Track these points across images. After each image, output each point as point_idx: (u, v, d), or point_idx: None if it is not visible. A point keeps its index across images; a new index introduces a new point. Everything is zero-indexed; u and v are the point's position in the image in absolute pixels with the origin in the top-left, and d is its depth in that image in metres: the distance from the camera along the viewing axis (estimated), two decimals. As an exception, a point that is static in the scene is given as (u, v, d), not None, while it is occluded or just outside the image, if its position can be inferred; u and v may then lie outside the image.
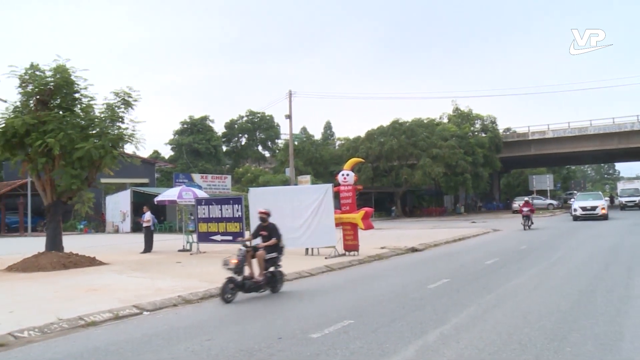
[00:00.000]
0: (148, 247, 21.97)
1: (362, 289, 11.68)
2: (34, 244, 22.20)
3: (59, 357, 6.75)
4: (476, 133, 64.56)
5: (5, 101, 18.40)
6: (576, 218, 35.98)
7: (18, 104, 17.36)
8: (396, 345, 6.68)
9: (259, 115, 78.76)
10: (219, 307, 9.89)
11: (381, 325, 7.73)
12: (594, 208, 35.71)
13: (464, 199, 69.63)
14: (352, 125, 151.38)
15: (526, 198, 34.62)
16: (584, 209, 36.03)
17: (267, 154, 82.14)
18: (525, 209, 30.38)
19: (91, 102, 17.83)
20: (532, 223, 29.98)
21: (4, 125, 16.74)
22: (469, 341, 6.74)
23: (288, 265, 15.33)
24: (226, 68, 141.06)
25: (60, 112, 16.99)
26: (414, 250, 19.86)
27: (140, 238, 22.95)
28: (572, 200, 42.86)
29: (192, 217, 22.86)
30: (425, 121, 60.24)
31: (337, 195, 18.74)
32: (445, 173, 56.59)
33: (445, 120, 66.78)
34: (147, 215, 22.71)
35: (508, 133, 66.93)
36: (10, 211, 45.16)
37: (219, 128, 77.94)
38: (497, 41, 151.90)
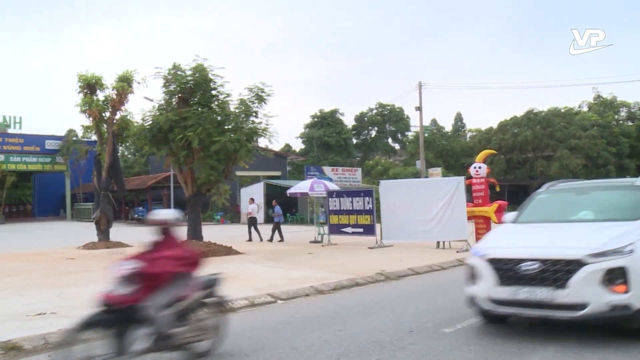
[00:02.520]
0: (251, 236, 23.52)
1: (496, 284, 11.26)
2: (177, 233, 23.63)
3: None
4: (621, 122, 60.27)
5: (152, 100, 19.77)
6: (485, 314, 7.11)
7: (162, 102, 18.58)
8: (534, 344, 6.37)
9: (388, 107, 78.34)
10: (351, 298, 9.97)
11: (517, 324, 7.41)
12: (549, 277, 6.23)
13: (607, 193, 65.18)
14: (483, 116, 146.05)
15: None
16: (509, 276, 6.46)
17: (397, 146, 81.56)
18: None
19: (227, 99, 18.61)
20: None
21: (150, 122, 18.04)
22: (615, 344, 6.28)
23: (419, 258, 15.26)
24: (355, 61, 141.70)
25: (199, 109, 17.87)
26: (551, 245, 18.87)
27: (271, 230, 23.78)
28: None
29: (323, 209, 23.27)
30: (562, 110, 57.12)
31: (469, 188, 18.33)
32: (585, 165, 53.33)
33: (585, 108, 62.96)
34: (250, 207, 24.32)
35: (661, 120, 61.77)
36: (155, 202, 48.60)
37: (349, 121, 78.47)
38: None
